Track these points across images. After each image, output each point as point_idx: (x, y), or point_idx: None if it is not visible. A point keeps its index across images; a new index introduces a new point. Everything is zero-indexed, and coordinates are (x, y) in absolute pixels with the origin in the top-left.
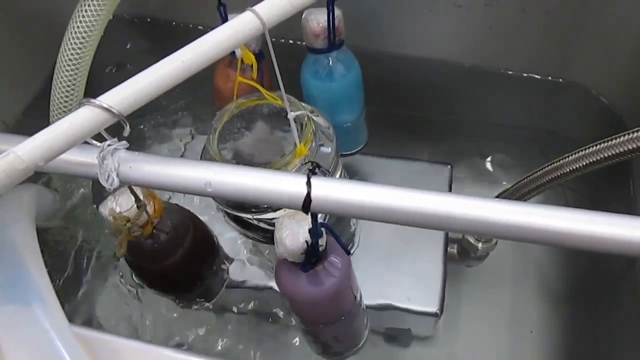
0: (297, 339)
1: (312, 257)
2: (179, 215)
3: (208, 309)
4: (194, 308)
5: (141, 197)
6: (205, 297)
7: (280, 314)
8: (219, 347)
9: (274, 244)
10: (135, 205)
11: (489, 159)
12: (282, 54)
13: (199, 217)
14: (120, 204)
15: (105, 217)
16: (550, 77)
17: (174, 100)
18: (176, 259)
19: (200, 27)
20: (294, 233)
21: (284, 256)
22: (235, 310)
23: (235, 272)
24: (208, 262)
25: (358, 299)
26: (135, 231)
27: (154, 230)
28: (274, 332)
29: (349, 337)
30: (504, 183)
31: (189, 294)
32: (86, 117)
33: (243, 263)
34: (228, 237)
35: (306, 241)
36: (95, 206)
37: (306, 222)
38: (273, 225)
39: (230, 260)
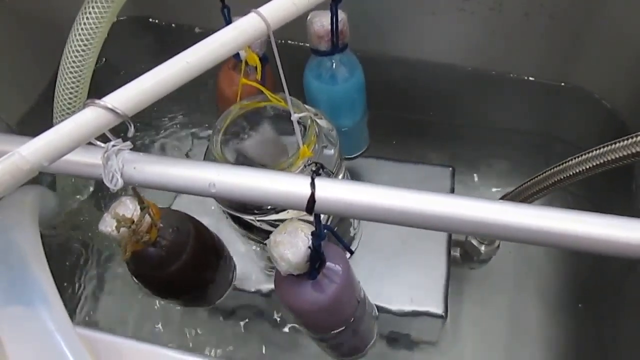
0: (302, 342)
1: (316, 262)
2: (178, 219)
3: (212, 311)
4: (198, 310)
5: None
6: (210, 299)
7: (285, 316)
8: (222, 350)
9: None
10: (138, 208)
11: (491, 162)
12: (286, 55)
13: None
14: (122, 211)
15: (108, 232)
16: (553, 81)
17: (178, 103)
18: (182, 263)
19: (204, 29)
20: (293, 245)
21: (289, 272)
22: (240, 313)
23: (239, 274)
24: (213, 263)
25: (362, 301)
26: (142, 237)
27: (157, 237)
28: (279, 335)
29: (356, 340)
30: (506, 187)
31: (195, 297)
32: (91, 117)
33: (247, 265)
34: (234, 240)
35: (309, 247)
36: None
37: (299, 230)
38: (276, 226)
39: (234, 263)
